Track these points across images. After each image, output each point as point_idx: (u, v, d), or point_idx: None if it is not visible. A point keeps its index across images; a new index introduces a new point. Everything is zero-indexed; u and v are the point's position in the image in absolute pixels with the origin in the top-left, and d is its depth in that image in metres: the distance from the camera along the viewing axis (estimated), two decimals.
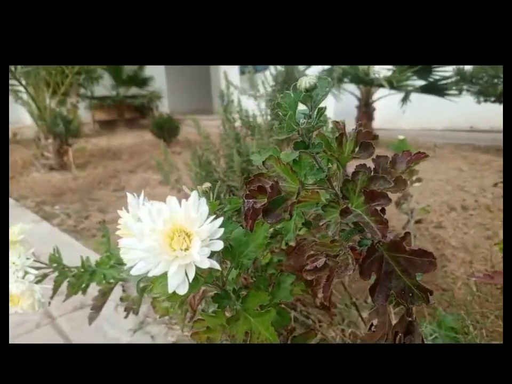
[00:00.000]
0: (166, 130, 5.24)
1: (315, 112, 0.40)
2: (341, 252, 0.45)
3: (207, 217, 0.42)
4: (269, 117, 1.85)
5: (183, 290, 0.40)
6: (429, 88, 4.97)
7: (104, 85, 7.54)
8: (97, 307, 0.78)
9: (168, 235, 0.41)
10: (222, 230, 0.41)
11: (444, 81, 4.81)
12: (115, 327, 1.49)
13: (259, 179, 0.44)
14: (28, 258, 0.73)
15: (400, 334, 0.55)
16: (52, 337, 1.46)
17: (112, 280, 0.76)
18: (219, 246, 0.41)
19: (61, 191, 3.50)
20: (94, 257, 0.83)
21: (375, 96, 5.22)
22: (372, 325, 0.51)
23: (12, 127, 5.53)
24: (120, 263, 0.78)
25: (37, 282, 0.73)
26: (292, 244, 0.69)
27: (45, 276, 0.76)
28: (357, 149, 0.42)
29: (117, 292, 0.83)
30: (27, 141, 4.75)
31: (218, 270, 0.50)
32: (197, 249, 0.40)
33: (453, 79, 4.63)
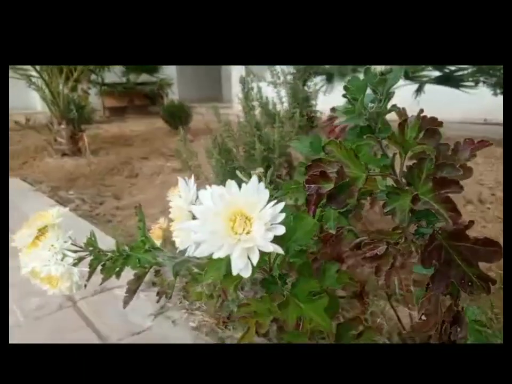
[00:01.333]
0: (178, 117, 5.23)
1: (384, 97, 0.39)
2: (400, 240, 0.44)
3: (268, 202, 0.42)
4: (288, 105, 1.84)
5: (246, 274, 0.40)
6: (444, 79, 4.90)
7: (115, 72, 7.52)
8: (131, 291, 0.78)
9: (230, 218, 0.41)
10: (284, 215, 0.41)
11: (460, 72, 4.73)
12: (136, 312, 1.51)
13: (318, 164, 0.43)
14: (65, 242, 0.74)
15: (446, 324, 0.55)
16: (73, 320, 1.48)
17: (147, 265, 0.77)
18: (281, 230, 0.41)
19: (74, 176, 3.52)
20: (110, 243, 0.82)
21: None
22: (422, 313, 0.51)
23: (24, 113, 5.56)
24: (155, 247, 0.79)
25: (73, 265, 0.74)
26: (332, 231, 0.69)
27: (81, 259, 0.76)
28: (420, 136, 0.41)
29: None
30: (39, 127, 4.76)
31: (267, 255, 0.50)
32: (261, 233, 0.39)
33: (469, 70, 4.56)
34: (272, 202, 0.41)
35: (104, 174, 3.54)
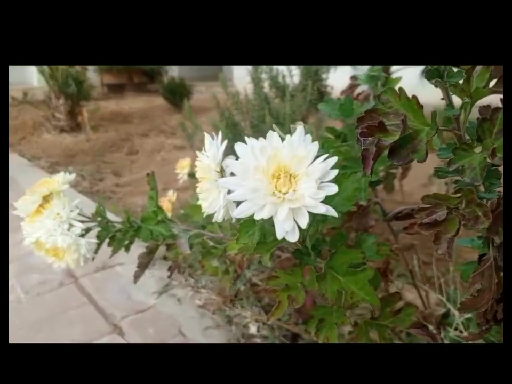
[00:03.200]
0: (178, 95, 5.12)
1: None
2: (460, 205, 0.39)
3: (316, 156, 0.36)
4: (300, 77, 1.76)
5: (293, 238, 0.35)
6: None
7: None
8: (143, 265, 0.73)
9: (273, 175, 0.35)
10: (336, 171, 0.35)
11: None
12: (139, 289, 1.46)
13: (371, 115, 0.37)
14: (71, 211, 0.68)
15: (492, 301, 0.50)
16: (76, 297, 1.43)
17: (159, 237, 0.71)
18: (333, 189, 0.35)
19: (73, 152, 3.45)
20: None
21: (393, 68, 5.04)
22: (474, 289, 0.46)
23: (20, 88, 5.42)
24: (168, 219, 0.73)
25: (80, 236, 0.68)
26: (363, 203, 0.64)
27: (88, 230, 0.71)
28: (491, 83, 0.35)
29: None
30: (37, 103, 4.65)
31: None
32: (311, 192, 0.34)
33: None
34: (323, 157, 0.35)
35: (103, 150, 3.47)
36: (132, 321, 1.29)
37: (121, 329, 1.24)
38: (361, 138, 0.36)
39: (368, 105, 0.63)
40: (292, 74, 1.83)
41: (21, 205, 0.66)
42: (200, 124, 1.84)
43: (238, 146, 0.37)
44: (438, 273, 0.94)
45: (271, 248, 0.42)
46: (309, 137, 0.37)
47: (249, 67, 1.71)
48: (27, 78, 7.21)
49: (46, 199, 0.68)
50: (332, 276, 0.46)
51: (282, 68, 1.81)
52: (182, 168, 1.11)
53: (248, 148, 0.36)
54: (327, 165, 0.35)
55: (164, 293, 1.45)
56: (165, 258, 0.77)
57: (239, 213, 0.34)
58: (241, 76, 2.01)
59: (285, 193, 0.34)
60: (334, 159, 0.35)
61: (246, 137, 0.40)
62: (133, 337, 1.21)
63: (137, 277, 0.73)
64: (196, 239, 0.76)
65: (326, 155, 0.35)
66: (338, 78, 2.24)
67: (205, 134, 0.48)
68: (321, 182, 0.35)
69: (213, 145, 0.45)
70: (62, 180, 0.69)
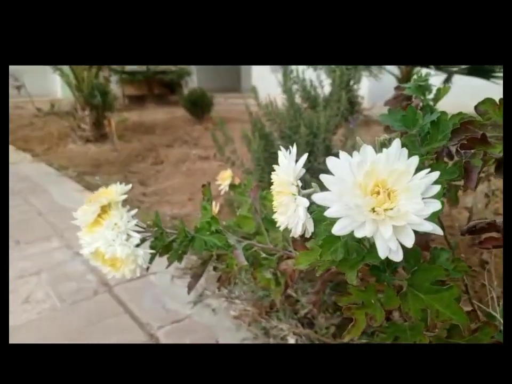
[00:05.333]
0: (199, 106, 5.17)
1: None
2: None
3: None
4: (333, 87, 1.75)
5: (398, 257, 0.34)
6: (474, 70, 4.73)
7: None
8: (197, 275, 0.73)
9: (372, 191, 0.34)
10: (439, 187, 0.34)
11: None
12: (173, 298, 1.46)
13: (467, 127, 0.37)
14: (128, 221, 0.68)
15: None
16: (111, 306, 1.44)
17: (213, 248, 0.71)
18: (437, 206, 0.34)
19: (98, 162, 3.50)
20: None
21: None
22: None
23: (45, 99, 5.56)
24: (219, 231, 0.73)
25: (136, 246, 0.68)
26: None
27: (143, 240, 0.71)
28: None
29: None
30: (62, 113, 4.76)
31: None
32: (417, 209, 0.33)
33: None
34: (424, 171, 0.34)
35: (129, 160, 3.51)
36: (168, 331, 1.28)
37: (158, 339, 1.24)
38: (462, 151, 0.35)
39: (433, 117, 0.62)
40: (322, 84, 1.83)
41: (80, 215, 0.67)
42: (231, 134, 1.85)
43: (330, 161, 0.36)
44: (489, 287, 0.91)
45: (356, 266, 0.41)
46: (405, 150, 0.36)
47: (280, 77, 1.71)
48: (51, 89, 7.40)
49: (103, 209, 0.69)
50: (413, 294, 0.45)
51: (313, 79, 1.81)
52: (224, 180, 1.12)
53: (344, 162, 0.35)
54: (430, 179, 0.34)
55: (198, 303, 1.44)
56: (214, 269, 0.76)
57: (339, 229, 0.34)
58: (260, 87, 2.01)
59: (386, 210, 0.33)
60: (437, 173, 0.34)
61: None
62: None
63: (191, 287, 0.73)
64: (247, 250, 0.76)
65: (428, 169, 0.34)
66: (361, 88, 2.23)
67: (281, 147, 0.48)
68: (424, 198, 0.34)
69: (291, 159, 0.45)
70: (120, 190, 0.69)
